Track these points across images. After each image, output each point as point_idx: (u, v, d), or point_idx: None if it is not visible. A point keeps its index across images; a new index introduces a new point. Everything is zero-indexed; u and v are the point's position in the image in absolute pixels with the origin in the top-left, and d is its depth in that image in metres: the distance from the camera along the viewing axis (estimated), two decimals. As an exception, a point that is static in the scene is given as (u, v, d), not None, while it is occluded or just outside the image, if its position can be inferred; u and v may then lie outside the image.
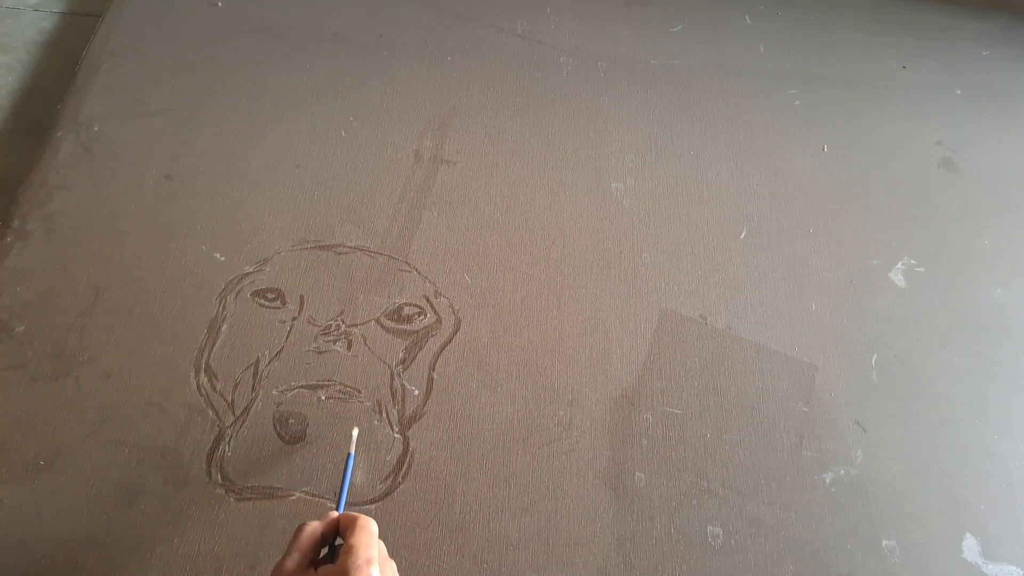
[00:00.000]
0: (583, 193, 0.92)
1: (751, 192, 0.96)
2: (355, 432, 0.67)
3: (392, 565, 0.54)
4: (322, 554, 0.54)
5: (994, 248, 0.96)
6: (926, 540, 0.74)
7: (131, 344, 0.75)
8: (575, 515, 0.71)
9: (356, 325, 0.79)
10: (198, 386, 0.73)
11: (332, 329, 0.78)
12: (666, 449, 0.76)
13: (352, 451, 0.65)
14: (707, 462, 0.76)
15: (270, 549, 0.66)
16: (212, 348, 0.75)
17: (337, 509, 0.58)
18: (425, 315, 0.81)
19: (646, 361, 0.81)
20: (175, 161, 0.88)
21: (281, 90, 0.96)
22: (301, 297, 0.80)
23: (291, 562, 0.52)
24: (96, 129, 0.89)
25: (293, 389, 0.74)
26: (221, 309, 0.78)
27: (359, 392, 0.75)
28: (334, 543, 0.54)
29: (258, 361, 0.75)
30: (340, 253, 0.84)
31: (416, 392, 0.76)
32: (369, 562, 0.50)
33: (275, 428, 0.72)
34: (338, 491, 0.63)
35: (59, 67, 1.01)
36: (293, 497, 0.69)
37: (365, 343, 0.78)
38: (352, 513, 0.55)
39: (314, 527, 0.54)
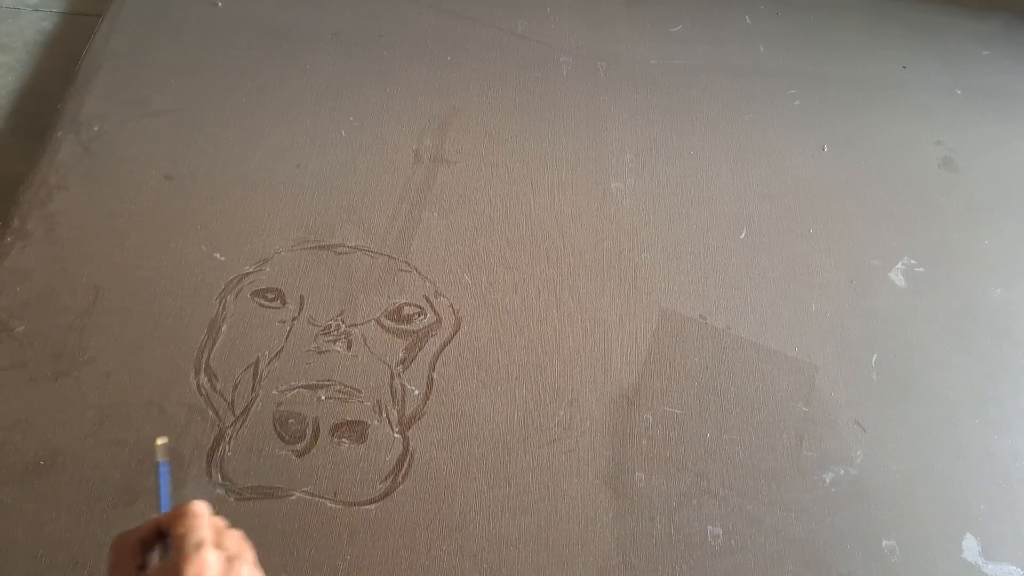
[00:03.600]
0: (583, 193, 0.92)
1: (751, 192, 0.96)
2: (160, 441, 0.60)
3: (235, 533, 0.48)
4: (157, 560, 0.47)
5: (994, 248, 0.96)
6: (926, 540, 0.74)
7: (131, 344, 0.75)
8: (575, 515, 0.71)
9: (356, 325, 0.79)
10: (198, 386, 0.73)
11: (332, 329, 0.78)
12: (666, 449, 0.76)
13: (160, 459, 0.55)
14: (707, 462, 0.76)
15: (270, 549, 0.66)
16: (212, 348, 0.75)
17: (160, 511, 0.50)
18: (425, 315, 0.81)
19: (646, 361, 0.81)
20: (175, 161, 0.88)
21: (281, 90, 0.96)
22: (301, 297, 0.80)
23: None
24: (96, 129, 0.89)
25: (293, 389, 0.74)
26: (221, 309, 0.78)
27: (359, 392, 0.75)
28: (166, 544, 0.47)
29: (258, 361, 0.75)
30: (340, 253, 0.84)
31: (416, 392, 0.76)
32: (199, 546, 0.44)
33: (275, 428, 0.72)
34: (157, 498, 0.54)
35: (59, 67, 1.01)
36: (293, 497, 0.69)
37: (365, 343, 0.78)
38: (173, 508, 0.48)
39: (124, 535, 0.47)
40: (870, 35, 1.17)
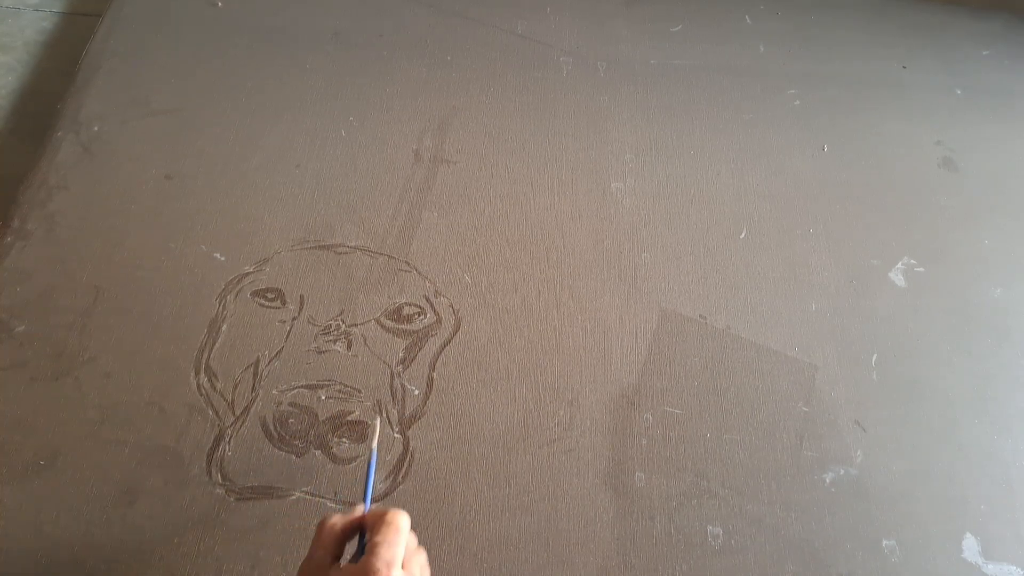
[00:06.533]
0: (583, 193, 0.92)
1: (751, 192, 0.96)
2: (377, 422, 0.67)
3: (421, 558, 0.53)
4: (353, 552, 0.52)
5: (994, 248, 0.96)
6: (926, 540, 0.74)
7: (131, 344, 0.75)
8: (575, 515, 0.71)
9: (356, 325, 0.79)
10: (198, 386, 0.73)
11: (332, 329, 0.78)
12: (666, 449, 0.76)
13: (374, 446, 0.61)
14: (707, 462, 0.76)
15: (270, 549, 0.66)
16: (212, 348, 0.75)
17: (364, 504, 0.55)
18: (425, 315, 0.81)
19: (646, 361, 0.81)
20: (175, 161, 0.88)
21: (281, 90, 0.96)
22: (301, 297, 0.80)
23: (312, 561, 0.51)
24: (96, 129, 0.89)
25: (293, 389, 0.74)
26: (221, 309, 0.78)
27: (359, 392, 0.75)
28: (363, 538, 0.52)
29: (258, 361, 0.75)
30: (340, 253, 0.84)
31: (416, 392, 0.76)
32: (390, 565, 0.47)
33: (275, 428, 0.72)
34: (363, 489, 0.60)
35: (59, 67, 1.01)
36: (293, 497, 0.69)
37: (365, 343, 0.78)
38: (382, 509, 0.52)
39: (334, 522, 0.52)
40: (869, 35, 1.17)
